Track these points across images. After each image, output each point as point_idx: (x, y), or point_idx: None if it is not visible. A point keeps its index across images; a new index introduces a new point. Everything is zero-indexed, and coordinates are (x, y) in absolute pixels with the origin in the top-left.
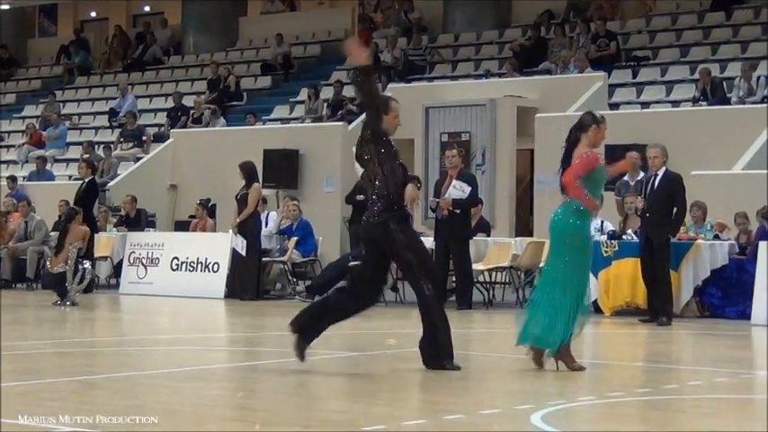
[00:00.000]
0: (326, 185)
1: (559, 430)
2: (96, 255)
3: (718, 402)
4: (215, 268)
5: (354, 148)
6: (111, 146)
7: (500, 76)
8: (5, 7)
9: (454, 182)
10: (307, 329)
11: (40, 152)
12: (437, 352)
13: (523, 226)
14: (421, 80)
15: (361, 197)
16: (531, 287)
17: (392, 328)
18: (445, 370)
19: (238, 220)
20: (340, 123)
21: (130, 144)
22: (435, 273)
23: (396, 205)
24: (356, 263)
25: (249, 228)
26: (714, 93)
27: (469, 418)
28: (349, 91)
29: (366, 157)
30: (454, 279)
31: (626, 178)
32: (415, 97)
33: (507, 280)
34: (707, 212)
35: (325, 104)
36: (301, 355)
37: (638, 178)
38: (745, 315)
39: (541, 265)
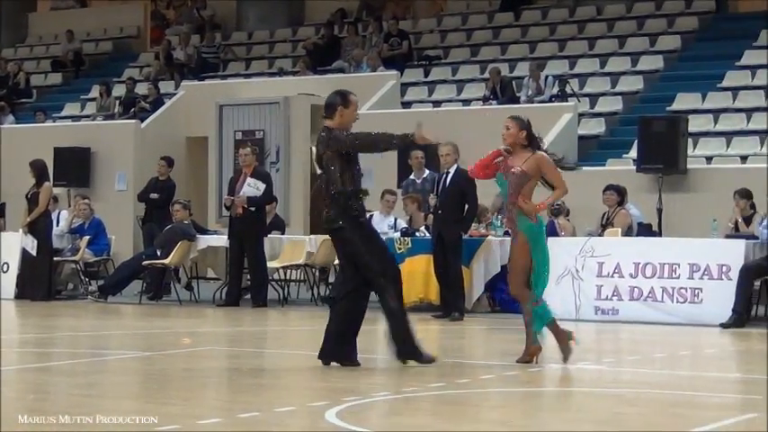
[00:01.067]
0: (119, 184)
1: (354, 426)
2: None
3: (509, 395)
4: (5, 268)
5: (314, 148)
6: None
7: (294, 74)
8: None
9: (249, 179)
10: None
11: None
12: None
13: (318, 223)
14: (214, 78)
15: (154, 195)
16: (325, 284)
17: (187, 328)
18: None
19: (29, 220)
20: (132, 121)
21: None
22: (396, 274)
23: (352, 208)
24: (150, 261)
25: (40, 227)
26: (504, 92)
27: (264, 416)
28: (141, 88)
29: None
30: (249, 277)
31: (412, 177)
32: (208, 95)
33: (302, 277)
34: (486, 212)
35: (117, 102)
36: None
37: (424, 176)
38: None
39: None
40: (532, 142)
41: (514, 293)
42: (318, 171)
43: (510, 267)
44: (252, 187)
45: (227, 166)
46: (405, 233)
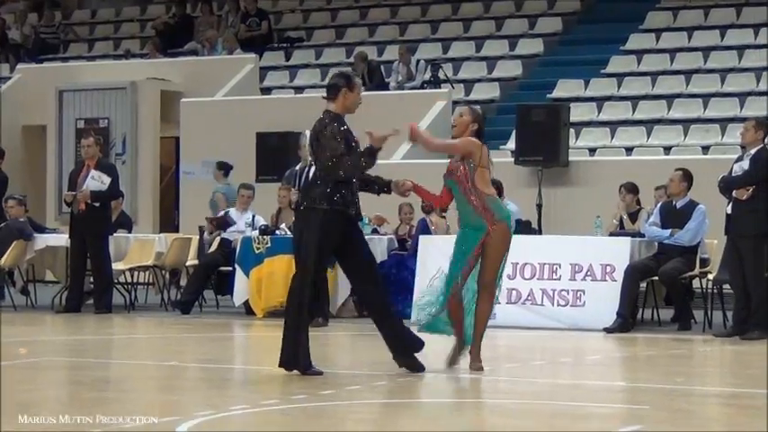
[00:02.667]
0: None
1: None
2: None
3: (377, 407)
4: None
5: (308, 132)
6: None
7: (142, 56)
8: None
9: (92, 172)
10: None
11: None
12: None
13: (168, 221)
14: (54, 60)
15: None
16: (176, 288)
17: (23, 336)
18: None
19: None
20: None
21: None
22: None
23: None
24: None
25: None
26: (371, 77)
27: None
28: None
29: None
30: (92, 280)
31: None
32: (47, 79)
33: (151, 280)
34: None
35: None
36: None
37: (296, 168)
38: (405, 314)
39: None
40: (481, 138)
41: (489, 283)
42: (309, 159)
43: (489, 257)
44: (96, 181)
45: (68, 158)
46: (264, 231)
